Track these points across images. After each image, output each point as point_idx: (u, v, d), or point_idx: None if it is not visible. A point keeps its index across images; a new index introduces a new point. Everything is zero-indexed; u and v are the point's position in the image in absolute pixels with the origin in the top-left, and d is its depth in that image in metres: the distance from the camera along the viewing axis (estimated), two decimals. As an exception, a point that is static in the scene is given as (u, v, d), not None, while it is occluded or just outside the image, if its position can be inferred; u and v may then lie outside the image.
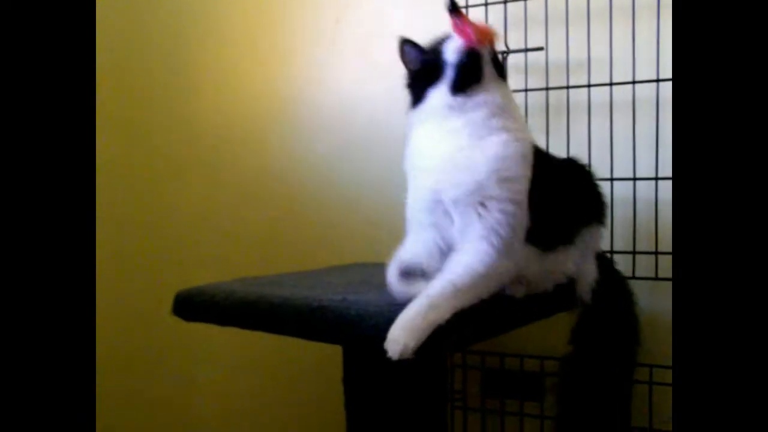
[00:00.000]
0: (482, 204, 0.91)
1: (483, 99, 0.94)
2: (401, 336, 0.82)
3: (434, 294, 0.87)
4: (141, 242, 1.85)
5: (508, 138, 0.93)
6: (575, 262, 1.04)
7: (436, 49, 0.97)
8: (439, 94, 0.95)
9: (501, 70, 0.99)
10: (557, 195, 1.00)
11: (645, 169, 1.29)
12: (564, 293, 1.06)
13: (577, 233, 1.04)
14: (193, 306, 1.06)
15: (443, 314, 0.85)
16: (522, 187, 0.92)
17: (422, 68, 0.99)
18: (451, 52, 0.95)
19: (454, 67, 0.94)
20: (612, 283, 1.12)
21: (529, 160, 0.94)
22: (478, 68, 0.94)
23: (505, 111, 0.95)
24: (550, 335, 1.32)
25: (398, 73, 1.03)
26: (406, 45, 1.00)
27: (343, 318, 0.90)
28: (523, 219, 0.92)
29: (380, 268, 1.34)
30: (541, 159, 0.97)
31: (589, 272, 1.08)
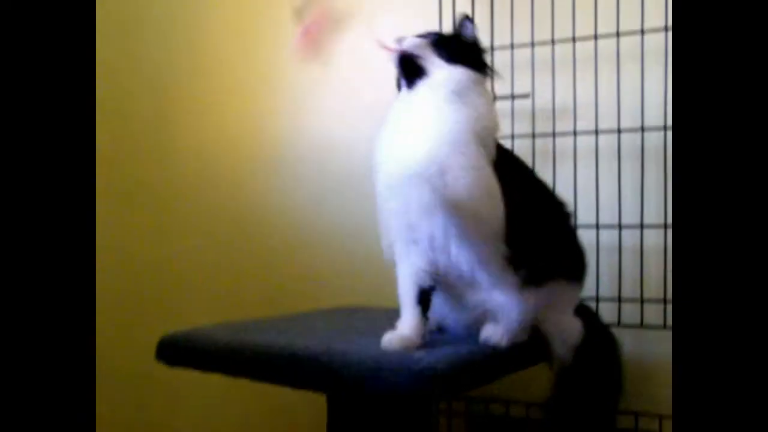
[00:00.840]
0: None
1: (423, 91, 0.97)
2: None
3: None
4: (130, 282, 1.82)
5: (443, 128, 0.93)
6: (538, 307, 0.99)
7: None
8: (401, 95, 1.02)
9: (459, 54, 0.99)
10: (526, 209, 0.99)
11: (630, 216, 1.30)
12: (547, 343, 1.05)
13: (543, 282, 0.99)
14: (177, 352, 1.04)
15: None
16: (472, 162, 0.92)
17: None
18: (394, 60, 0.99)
19: (398, 71, 1.01)
20: (595, 333, 1.10)
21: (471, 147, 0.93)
22: (413, 67, 0.98)
23: (450, 98, 0.95)
24: (537, 381, 1.31)
25: (384, 114, 1.04)
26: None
27: (328, 368, 0.89)
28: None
29: (365, 312, 1.33)
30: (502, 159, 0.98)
31: (569, 330, 1.04)
